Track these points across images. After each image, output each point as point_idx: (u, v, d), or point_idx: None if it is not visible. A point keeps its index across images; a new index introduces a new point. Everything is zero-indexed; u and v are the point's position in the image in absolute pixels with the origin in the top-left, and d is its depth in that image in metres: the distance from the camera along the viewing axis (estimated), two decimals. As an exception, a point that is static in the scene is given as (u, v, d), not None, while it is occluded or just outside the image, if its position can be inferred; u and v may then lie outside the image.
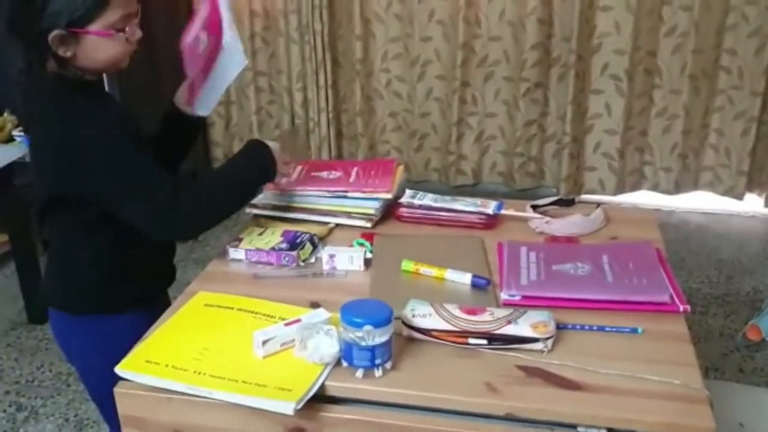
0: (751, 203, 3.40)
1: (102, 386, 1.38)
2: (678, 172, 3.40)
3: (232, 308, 1.27)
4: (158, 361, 1.14)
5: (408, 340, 1.17)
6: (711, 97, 3.26)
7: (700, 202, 3.46)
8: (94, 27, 1.24)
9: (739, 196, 3.36)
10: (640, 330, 1.20)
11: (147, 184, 1.29)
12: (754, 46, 3.11)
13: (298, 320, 1.19)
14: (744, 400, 1.58)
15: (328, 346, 1.12)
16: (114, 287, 1.41)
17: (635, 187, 3.50)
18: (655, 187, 3.48)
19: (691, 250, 3.09)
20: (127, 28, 1.28)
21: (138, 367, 1.13)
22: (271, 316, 1.23)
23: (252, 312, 1.25)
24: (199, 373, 1.11)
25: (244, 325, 1.21)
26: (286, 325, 1.18)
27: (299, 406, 1.05)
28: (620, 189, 3.47)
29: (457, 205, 1.56)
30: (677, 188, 3.44)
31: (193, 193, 1.32)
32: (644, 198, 3.50)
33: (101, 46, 1.26)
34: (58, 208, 1.34)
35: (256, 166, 1.41)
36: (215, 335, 1.20)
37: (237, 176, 1.40)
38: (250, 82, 3.58)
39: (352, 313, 1.08)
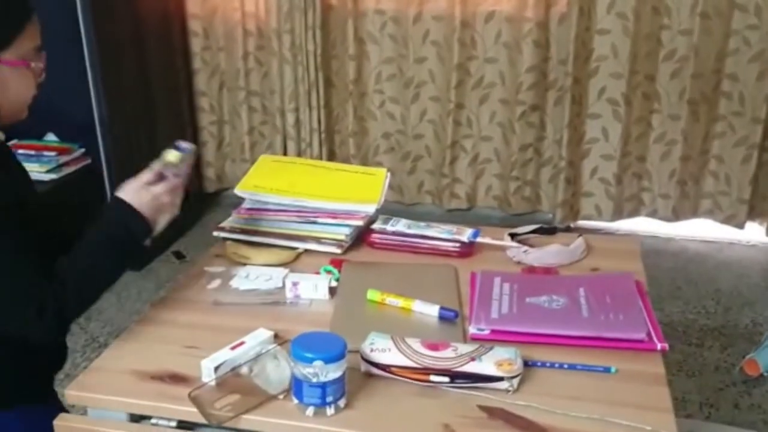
0: (752, 232, 3.31)
1: None
2: (677, 199, 3.32)
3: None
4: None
5: (366, 376, 1.11)
6: (711, 122, 3.20)
7: (699, 229, 3.38)
8: (7, 56, 1.11)
9: (740, 225, 3.28)
10: (613, 369, 1.13)
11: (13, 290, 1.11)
12: (756, 72, 3.05)
13: (242, 343, 1.14)
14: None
15: (277, 371, 1.07)
16: None
17: (633, 213, 3.43)
18: (653, 214, 3.40)
19: (689, 279, 3.01)
20: (34, 64, 1.15)
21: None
22: None
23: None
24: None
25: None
26: (232, 348, 1.13)
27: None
28: (617, 215, 3.40)
29: (431, 232, 1.50)
30: (676, 215, 3.36)
31: (57, 299, 1.12)
32: (642, 225, 3.43)
33: (12, 81, 1.13)
34: None
35: (119, 245, 1.20)
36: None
37: (100, 266, 1.18)
38: (243, 102, 3.54)
39: (303, 347, 1.02)
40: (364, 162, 3.50)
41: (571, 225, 3.42)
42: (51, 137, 2.95)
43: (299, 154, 3.48)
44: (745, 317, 2.74)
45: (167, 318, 1.30)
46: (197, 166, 3.67)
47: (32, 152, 2.82)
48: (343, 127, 3.51)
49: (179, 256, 3.21)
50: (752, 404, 2.27)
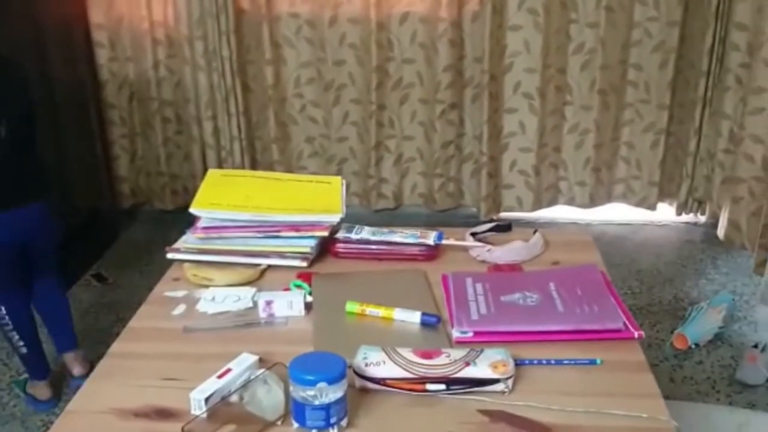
0: (664, 213, 3.50)
1: None
2: (592, 186, 3.46)
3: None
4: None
5: (361, 391, 1.08)
6: (620, 111, 3.35)
7: (615, 214, 3.54)
8: None
9: (652, 207, 3.46)
10: (598, 361, 1.16)
11: None
12: (658, 61, 3.22)
13: (229, 370, 1.10)
14: (697, 418, 1.58)
15: (268, 396, 1.03)
16: None
17: (551, 202, 3.55)
18: (570, 202, 3.53)
19: (612, 262, 3.14)
20: None
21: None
22: None
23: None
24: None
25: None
26: (219, 377, 1.09)
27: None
28: (537, 205, 3.51)
29: (397, 238, 1.49)
30: (592, 201, 3.50)
31: None
32: (561, 212, 3.55)
33: None
34: None
35: None
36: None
37: None
38: (156, 113, 3.40)
39: (303, 369, 0.99)
40: (289, 167, 3.44)
41: (494, 217, 3.50)
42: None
43: (220, 163, 3.38)
44: (667, 294, 2.89)
45: (136, 350, 1.23)
46: (110, 182, 3.49)
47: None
48: (264, 134, 3.43)
49: (100, 278, 3.05)
50: (685, 377, 2.39)
